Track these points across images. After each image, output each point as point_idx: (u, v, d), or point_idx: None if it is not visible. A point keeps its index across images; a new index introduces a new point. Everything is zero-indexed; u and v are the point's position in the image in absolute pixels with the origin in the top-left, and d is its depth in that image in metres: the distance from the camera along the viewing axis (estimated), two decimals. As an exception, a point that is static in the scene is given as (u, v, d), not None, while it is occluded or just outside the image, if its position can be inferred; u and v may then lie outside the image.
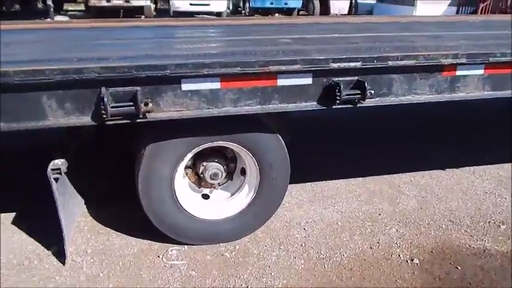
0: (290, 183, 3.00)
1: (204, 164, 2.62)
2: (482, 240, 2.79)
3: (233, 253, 2.61)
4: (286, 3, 18.35)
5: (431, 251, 2.66)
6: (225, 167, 2.67)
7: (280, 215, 2.99)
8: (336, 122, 4.57)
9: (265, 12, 19.39)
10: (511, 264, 2.57)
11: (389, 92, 2.46)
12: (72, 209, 2.74)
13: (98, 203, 3.03)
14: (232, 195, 2.76)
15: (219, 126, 2.41)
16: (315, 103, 2.36)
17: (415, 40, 3.21)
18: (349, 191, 3.40)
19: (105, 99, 1.97)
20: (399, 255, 2.61)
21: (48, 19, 12.87)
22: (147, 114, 2.10)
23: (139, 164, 2.40)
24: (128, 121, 2.10)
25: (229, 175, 2.77)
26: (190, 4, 16.47)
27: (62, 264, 2.46)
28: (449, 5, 20.03)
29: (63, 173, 2.27)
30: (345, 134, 4.48)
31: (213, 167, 2.61)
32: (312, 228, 2.88)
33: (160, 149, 2.39)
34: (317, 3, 20.03)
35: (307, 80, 2.31)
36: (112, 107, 2.01)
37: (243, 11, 20.12)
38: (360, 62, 2.29)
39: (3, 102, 1.93)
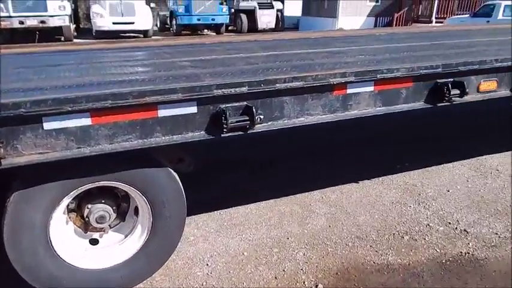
0: (197, 213, 2.84)
1: (89, 206, 2.35)
2: (387, 254, 2.81)
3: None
4: (213, 19, 18.37)
5: (337, 273, 2.61)
6: (114, 207, 2.42)
7: (182, 252, 2.79)
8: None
9: (193, 28, 19.27)
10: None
11: (281, 115, 2.38)
12: None
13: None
14: (125, 238, 2.50)
15: (97, 165, 2.16)
16: (203, 133, 2.22)
17: (316, 58, 3.21)
18: (259, 215, 3.29)
19: None
20: (304, 282, 2.53)
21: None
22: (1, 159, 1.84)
23: (5, 212, 2.10)
24: (-23, 169, 1.82)
25: (122, 216, 2.52)
26: (113, 23, 15.89)
27: None
28: (368, 15, 21.28)
29: None
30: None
31: (99, 209, 2.34)
32: (216, 262, 2.72)
33: (28, 194, 2.10)
34: (244, 18, 20.32)
35: (192, 109, 2.16)
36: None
37: (171, 29, 19.84)
38: (246, 87, 2.20)
39: None
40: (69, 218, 2.40)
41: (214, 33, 19.00)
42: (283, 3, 22.73)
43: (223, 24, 18.77)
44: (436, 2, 20.22)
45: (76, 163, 2.02)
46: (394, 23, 20.10)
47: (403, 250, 2.85)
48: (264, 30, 19.63)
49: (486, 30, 5.79)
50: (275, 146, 4.45)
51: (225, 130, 2.17)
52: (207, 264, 2.71)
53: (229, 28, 21.84)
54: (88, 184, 2.21)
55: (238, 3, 20.86)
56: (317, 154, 4.46)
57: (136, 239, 2.46)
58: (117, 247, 2.47)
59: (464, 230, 3.07)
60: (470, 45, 3.85)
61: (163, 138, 2.14)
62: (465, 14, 18.22)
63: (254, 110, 2.20)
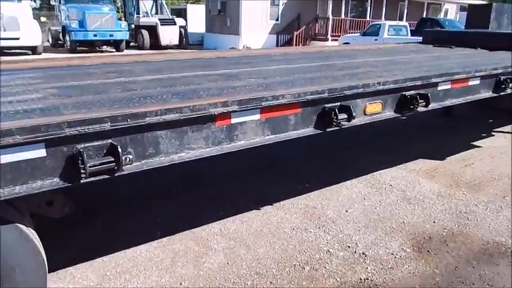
0: (73, 264, 2.44)
1: None
2: (287, 291, 2.63)
3: None
4: (111, 35, 17.44)
5: (232, 324, 2.36)
6: None
7: None
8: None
9: (90, 44, 18.17)
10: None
11: (156, 152, 2.08)
12: None
13: None
14: None
15: None
16: (56, 180, 1.82)
17: (203, 82, 2.97)
18: (149, 258, 2.92)
19: None
20: None
21: None
22: None
23: None
24: None
25: None
26: (-3, 38, 14.25)
27: None
28: (270, 33, 21.98)
29: None
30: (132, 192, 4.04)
31: None
32: (92, 326, 2.31)
33: None
34: (146, 35, 19.70)
35: (40, 152, 1.76)
36: None
37: (64, 45, 18.47)
38: (109, 123, 1.86)
39: None
40: None
41: (114, 50, 18.07)
42: (186, 20, 22.58)
43: (122, 40, 17.94)
44: (331, 22, 21.59)
45: None
46: (294, 40, 21.02)
47: (304, 283, 2.69)
48: (167, 47, 19.22)
49: (373, 51, 6.11)
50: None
51: (83, 176, 1.81)
52: None
53: (131, 44, 21.02)
54: None
55: (138, 19, 20.20)
56: (213, 182, 4.23)
57: None
58: None
59: (363, 253, 3.03)
60: (358, 67, 3.94)
61: (1, 191, 1.70)
62: (356, 32, 19.70)
63: (120, 149, 1.87)
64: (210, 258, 2.94)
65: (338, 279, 2.74)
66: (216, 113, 2.19)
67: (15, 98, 2.34)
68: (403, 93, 3.11)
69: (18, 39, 14.70)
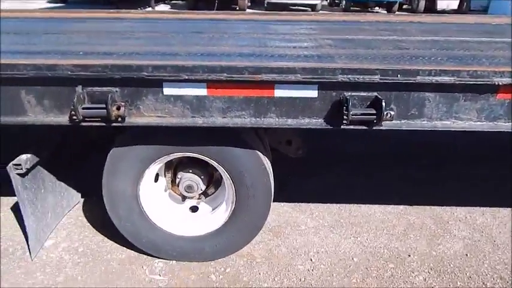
0: (314, 201, 2.69)
1: (180, 175, 2.40)
2: None
3: (220, 277, 2.36)
4: (386, -4, 17.14)
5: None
6: (203, 178, 2.41)
7: (290, 239, 2.66)
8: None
9: (363, 5, 18.42)
10: None
11: (419, 115, 1.95)
12: (52, 205, 2.64)
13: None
14: (213, 210, 2.53)
15: (183, 136, 2.16)
16: (320, 121, 1.98)
17: (486, 49, 2.59)
18: (382, 220, 2.91)
19: (76, 100, 1.84)
20: (413, 315, 2.13)
21: (148, 8, 13.64)
22: (124, 118, 1.94)
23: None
24: (103, 124, 1.96)
25: (215, 187, 2.54)
26: (285, -5, 16.23)
27: (49, 260, 2.45)
28: None
29: (25, 168, 2.19)
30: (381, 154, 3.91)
31: (188, 179, 2.37)
32: (321, 260, 2.50)
33: (118, 160, 2.24)
34: (422, -3, 18.44)
35: (312, 93, 1.94)
36: (84, 108, 1.88)
37: (340, 4, 19.39)
38: (378, 76, 1.85)
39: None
40: (167, 186, 2.50)
41: (386, 11, 17.79)
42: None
43: (396, 2, 17.37)
44: None
45: (163, 131, 2.04)
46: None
47: None
48: (443, 12, 17.55)
49: None
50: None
51: (345, 122, 1.89)
52: (311, 260, 2.52)
53: (404, 7, 20.18)
54: (175, 153, 2.24)
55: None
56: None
57: (223, 212, 2.43)
58: (209, 216, 2.50)
59: None
60: None
61: (277, 120, 1.98)
62: None
63: (384, 103, 1.85)
64: (447, 243, 2.70)
65: None
66: (500, 83, 1.87)
67: (298, 44, 2.61)
68: None
69: (303, -4, 16.28)
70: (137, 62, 1.88)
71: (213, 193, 2.56)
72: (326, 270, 2.43)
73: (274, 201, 2.50)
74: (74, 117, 1.88)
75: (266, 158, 2.34)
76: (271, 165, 2.42)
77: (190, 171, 2.38)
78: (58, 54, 2.17)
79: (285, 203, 3.03)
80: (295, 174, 3.31)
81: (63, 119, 1.96)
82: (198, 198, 2.52)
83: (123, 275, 2.36)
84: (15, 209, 2.80)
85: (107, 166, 2.26)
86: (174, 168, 2.45)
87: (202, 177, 2.40)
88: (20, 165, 2.17)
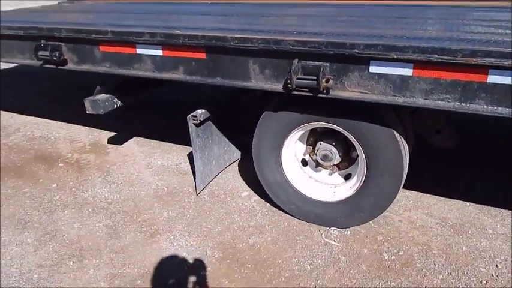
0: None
1: (320, 143, 2.58)
2: None
3: (393, 257, 2.39)
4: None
5: None
6: (341, 151, 2.56)
7: (473, 240, 2.52)
8: None
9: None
10: None
11: None
12: (216, 155, 3.16)
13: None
14: (345, 181, 2.68)
15: (327, 107, 2.33)
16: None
17: None
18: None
19: (292, 71, 2.12)
20: None
21: None
22: (329, 91, 2.14)
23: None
24: (311, 94, 2.20)
25: (351, 160, 2.66)
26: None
27: (244, 207, 2.88)
28: None
29: (199, 120, 2.71)
30: None
31: (325, 149, 2.55)
32: (509, 268, 2.28)
33: (269, 119, 2.54)
34: None
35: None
36: (298, 79, 2.15)
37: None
38: None
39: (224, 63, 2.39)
40: (307, 150, 2.73)
41: None
42: None
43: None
44: None
45: (311, 101, 2.22)
46: None
47: None
48: None
49: None
50: None
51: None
52: (497, 266, 2.33)
53: None
54: (312, 123, 2.46)
55: None
56: None
57: (352, 186, 2.57)
58: (340, 187, 2.66)
59: None
60: None
61: (485, 107, 1.89)
62: None
63: None
64: None
65: None
66: None
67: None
68: None
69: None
70: (349, 40, 2.06)
71: (346, 167, 2.70)
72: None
73: (459, 199, 2.38)
74: (289, 86, 2.17)
75: (404, 141, 2.35)
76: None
77: (331, 142, 2.56)
78: (276, 32, 2.53)
79: (471, 203, 2.84)
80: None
81: (278, 87, 2.29)
82: (331, 170, 2.71)
83: (302, 233, 2.61)
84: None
85: (258, 128, 2.60)
86: (315, 138, 2.67)
87: (340, 151, 2.56)
88: (196, 117, 2.72)
